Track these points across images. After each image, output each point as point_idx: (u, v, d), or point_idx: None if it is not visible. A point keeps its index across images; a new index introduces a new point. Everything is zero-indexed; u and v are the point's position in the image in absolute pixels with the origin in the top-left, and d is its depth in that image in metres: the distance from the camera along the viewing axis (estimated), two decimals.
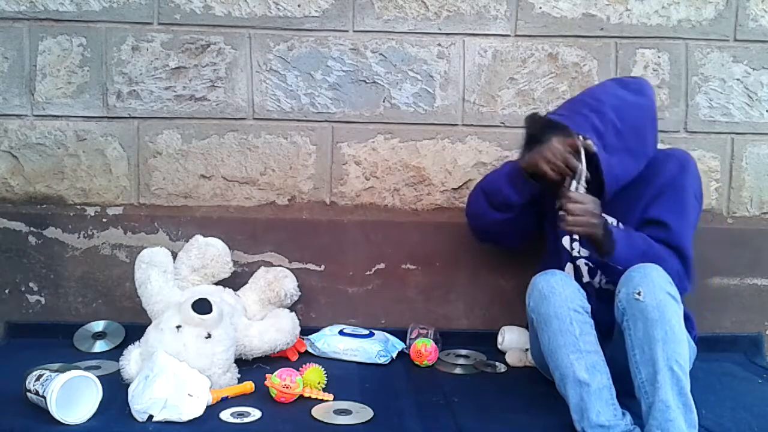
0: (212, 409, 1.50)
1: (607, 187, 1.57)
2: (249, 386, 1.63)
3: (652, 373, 1.37)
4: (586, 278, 1.72)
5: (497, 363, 1.89)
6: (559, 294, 1.51)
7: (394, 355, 1.91)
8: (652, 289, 1.42)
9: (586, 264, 1.73)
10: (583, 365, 1.44)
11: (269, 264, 2.05)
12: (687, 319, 1.68)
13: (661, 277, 1.45)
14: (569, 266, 1.74)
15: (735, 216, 2.15)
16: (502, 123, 2.10)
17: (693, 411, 1.36)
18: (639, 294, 1.42)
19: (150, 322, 1.72)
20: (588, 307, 1.54)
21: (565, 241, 1.75)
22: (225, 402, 1.55)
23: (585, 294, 1.56)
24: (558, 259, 1.75)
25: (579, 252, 1.73)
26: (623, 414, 1.42)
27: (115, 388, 1.55)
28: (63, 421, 1.40)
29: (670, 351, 1.37)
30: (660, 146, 1.77)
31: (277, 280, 1.95)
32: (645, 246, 1.58)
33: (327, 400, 1.58)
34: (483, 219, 1.81)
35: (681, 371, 1.36)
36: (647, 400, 1.38)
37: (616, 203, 1.65)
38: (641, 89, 1.67)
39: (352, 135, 2.09)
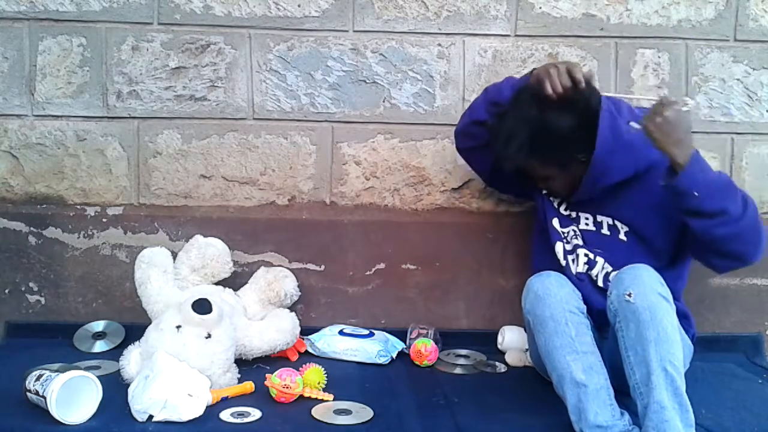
0: (212, 409, 1.50)
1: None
2: (249, 386, 1.63)
3: (645, 374, 1.37)
4: (580, 268, 1.71)
5: (497, 363, 1.89)
6: (555, 295, 1.51)
7: (394, 355, 1.91)
8: (642, 291, 1.42)
9: (577, 252, 1.73)
10: (579, 366, 1.44)
11: (269, 264, 2.05)
12: (686, 317, 1.68)
13: (652, 278, 1.45)
14: (559, 246, 1.74)
15: None
16: None
17: (689, 410, 1.36)
18: (629, 295, 1.42)
19: (150, 322, 1.72)
20: (584, 307, 1.54)
21: (555, 222, 1.76)
22: (225, 402, 1.55)
23: (581, 294, 1.56)
24: (548, 240, 1.76)
25: (570, 237, 1.74)
26: (621, 414, 1.43)
27: (115, 388, 1.55)
28: (63, 421, 1.40)
29: (663, 351, 1.37)
30: None
31: (277, 280, 1.95)
32: (726, 180, 1.49)
33: (327, 400, 1.58)
34: (471, 114, 1.80)
35: (675, 371, 1.36)
36: (642, 401, 1.38)
37: (623, 204, 1.67)
38: None
39: (352, 135, 2.09)
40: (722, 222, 1.46)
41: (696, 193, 1.45)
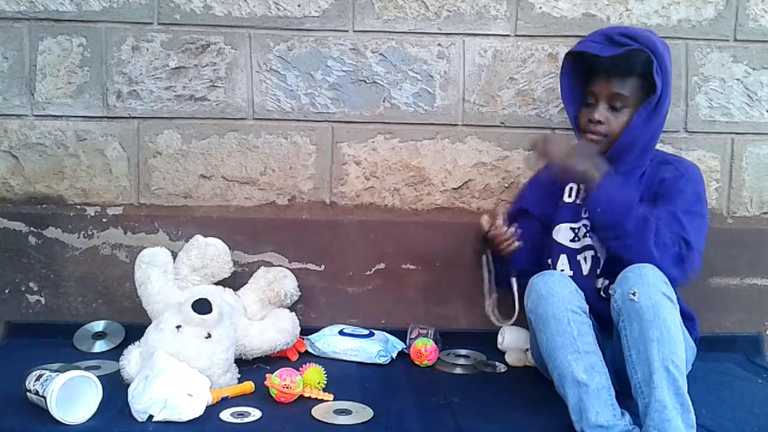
0: (212, 409, 1.50)
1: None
2: (249, 386, 1.63)
3: (647, 374, 1.37)
4: (585, 272, 1.71)
5: (497, 363, 1.89)
6: (557, 295, 1.50)
7: (394, 355, 1.91)
8: (646, 290, 1.42)
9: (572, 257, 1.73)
10: (581, 366, 1.44)
11: (269, 264, 2.05)
12: (690, 319, 1.68)
13: (657, 278, 1.45)
14: (563, 258, 1.74)
15: (735, 216, 2.16)
16: (502, 123, 2.10)
17: (690, 411, 1.36)
18: (634, 294, 1.42)
19: (150, 322, 1.72)
20: (586, 307, 1.54)
21: (563, 227, 1.75)
22: (225, 402, 1.55)
23: (583, 294, 1.56)
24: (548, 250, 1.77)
25: (581, 234, 1.73)
26: (622, 414, 1.42)
27: (115, 388, 1.55)
28: (63, 421, 1.40)
29: (666, 351, 1.37)
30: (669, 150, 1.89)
31: (277, 280, 1.95)
32: (638, 210, 1.54)
33: (327, 400, 1.59)
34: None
35: (677, 371, 1.36)
36: (644, 400, 1.38)
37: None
38: None
39: (352, 135, 2.09)
40: (615, 236, 1.54)
41: (598, 209, 1.57)
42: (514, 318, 1.72)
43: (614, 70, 1.66)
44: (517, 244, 1.68)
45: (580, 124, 1.75)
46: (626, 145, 1.67)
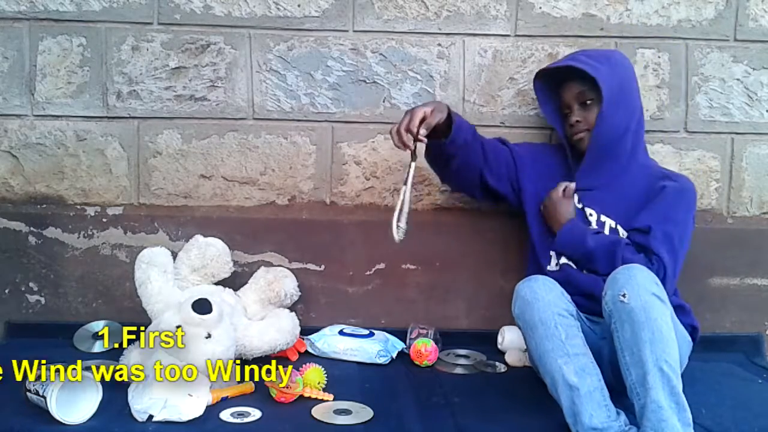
0: (212, 409, 1.50)
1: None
2: (249, 386, 1.63)
3: (641, 375, 1.37)
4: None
5: (497, 363, 1.89)
6: (542, 299, 1.50)
7: (394, 355, 1.91)
8: (636, 291, 1.42)
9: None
10: (571, 369, 1.43)
11: (269, 264, 2.05)
12: (681, 307, 1.69)
13: (647, 278, 1.45)
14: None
15: (735, 216, 2.16)
16: (502, 123, 2.10)
17: (686, 409, 1.36)
18: (624, 296, 1.42)
19: (150, 322, 1.72)
20: (573, 309, 1.54)
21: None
22: (225, 402, 1.55)
23: (570, 297, 1.56)
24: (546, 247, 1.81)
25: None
26: (617, 414, 1.42)
27: (115, 388, 1.55)
28: (63, 421, 1.40)
29: (659, 351, 1.37)
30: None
31: (277, 280, 1.95)
32: (596, 243, 1.68)
33: (327, 400, 1.59)
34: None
35: (671, 371, 1.36)
36: (639, 401, 1.38)
37: (623, 204, 1.75)
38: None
39: (352, 135, 2.10)
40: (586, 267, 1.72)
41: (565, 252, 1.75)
42: (402, 229, 1.64)
43: (573, 75, 1.78)
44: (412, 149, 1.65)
45: (566, 135, 1.84)
46: (602, 135, 1.74)
